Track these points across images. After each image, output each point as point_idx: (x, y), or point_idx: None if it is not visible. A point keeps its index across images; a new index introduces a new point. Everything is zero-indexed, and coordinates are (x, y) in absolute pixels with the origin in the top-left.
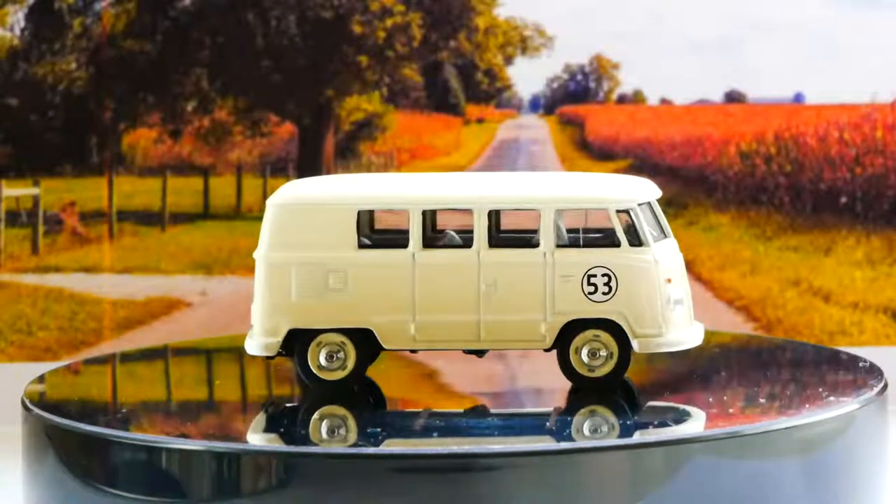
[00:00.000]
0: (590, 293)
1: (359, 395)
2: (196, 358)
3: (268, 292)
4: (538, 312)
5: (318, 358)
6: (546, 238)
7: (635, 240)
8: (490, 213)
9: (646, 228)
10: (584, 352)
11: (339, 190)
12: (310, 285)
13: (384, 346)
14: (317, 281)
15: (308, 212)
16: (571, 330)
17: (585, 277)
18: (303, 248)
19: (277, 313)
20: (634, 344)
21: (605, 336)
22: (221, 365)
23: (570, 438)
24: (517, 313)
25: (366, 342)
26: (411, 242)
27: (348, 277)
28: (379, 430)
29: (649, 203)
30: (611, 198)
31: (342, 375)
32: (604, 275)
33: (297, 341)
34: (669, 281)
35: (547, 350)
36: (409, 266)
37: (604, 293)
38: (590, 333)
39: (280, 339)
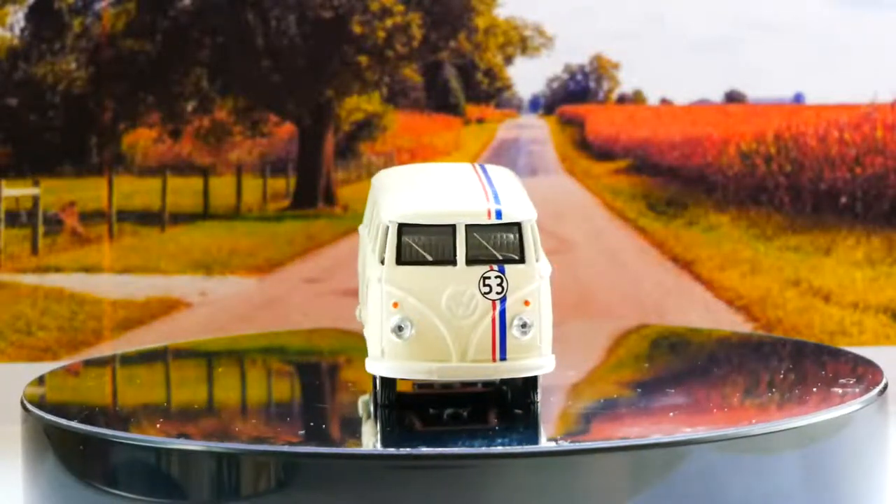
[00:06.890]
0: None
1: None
2: (196, 358)
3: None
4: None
5: None
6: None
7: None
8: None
9: (390, 249)
10: None
11: (389, 175)
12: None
13: None
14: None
15: (371, 192)
16: None
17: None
18: (364, 225)
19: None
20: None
21: None
22: (221, 365)
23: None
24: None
25: None
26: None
27: (366, 258)
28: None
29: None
30: (386, 215)
31: None
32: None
33: None
34: (396, 305)
35: None
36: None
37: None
38: None
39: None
